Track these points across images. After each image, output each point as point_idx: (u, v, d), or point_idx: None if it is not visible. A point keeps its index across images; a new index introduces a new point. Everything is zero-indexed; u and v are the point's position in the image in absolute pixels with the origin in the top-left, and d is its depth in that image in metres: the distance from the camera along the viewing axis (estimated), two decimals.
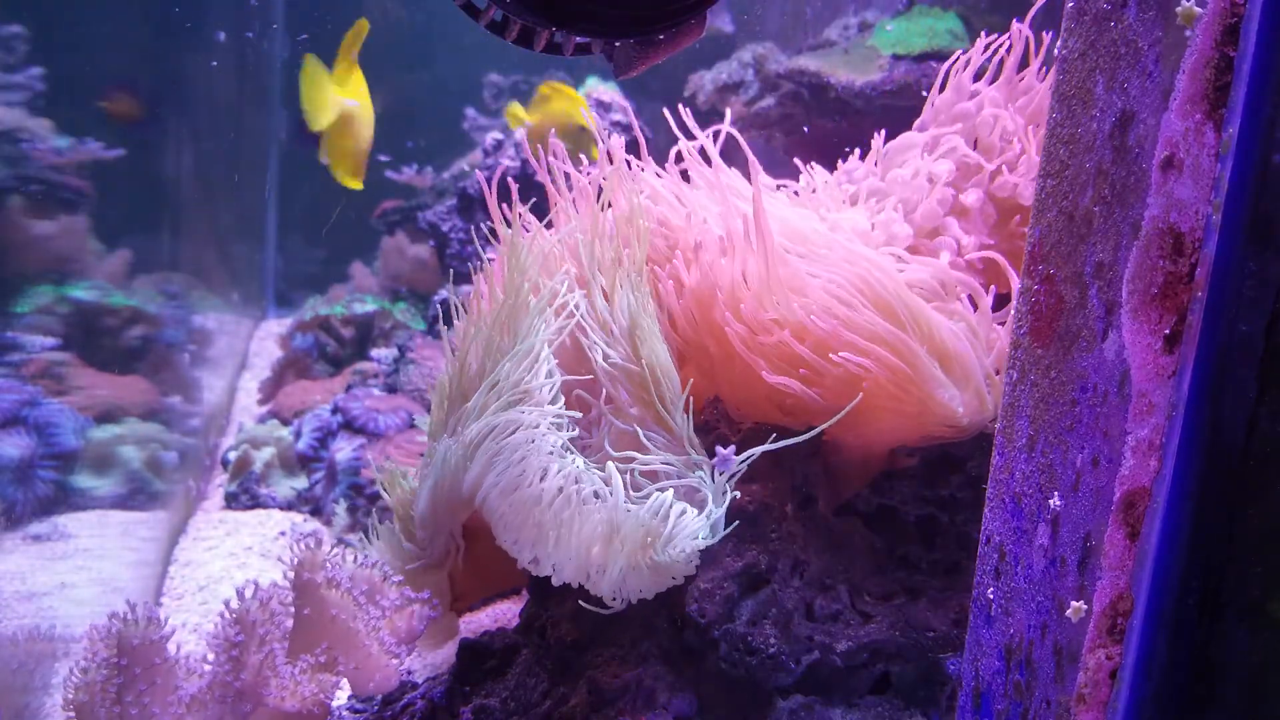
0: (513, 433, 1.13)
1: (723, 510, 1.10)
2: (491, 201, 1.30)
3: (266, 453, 2.40)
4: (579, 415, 1.19)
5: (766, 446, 1.12)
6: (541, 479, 1.10)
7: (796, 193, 1.40)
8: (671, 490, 1.09)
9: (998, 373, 1.15)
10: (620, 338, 1.20)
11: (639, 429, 1.17)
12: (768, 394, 1.18)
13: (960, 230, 1.28)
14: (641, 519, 1.05)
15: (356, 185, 2.11)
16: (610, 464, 1.12)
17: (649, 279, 1.25)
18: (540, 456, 1.11)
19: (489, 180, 1.30)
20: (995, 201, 1.31)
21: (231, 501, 2.35)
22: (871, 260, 1.17)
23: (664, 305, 1.25)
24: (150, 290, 2.28)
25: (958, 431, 1.16)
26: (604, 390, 1.20)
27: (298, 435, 2.44)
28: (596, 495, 1.10)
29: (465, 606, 1.43)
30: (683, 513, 1.07)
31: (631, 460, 1.15)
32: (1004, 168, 1.31)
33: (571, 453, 1.14)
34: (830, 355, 1.11)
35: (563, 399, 1.19)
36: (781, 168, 1.45)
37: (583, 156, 1.37)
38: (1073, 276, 0.74)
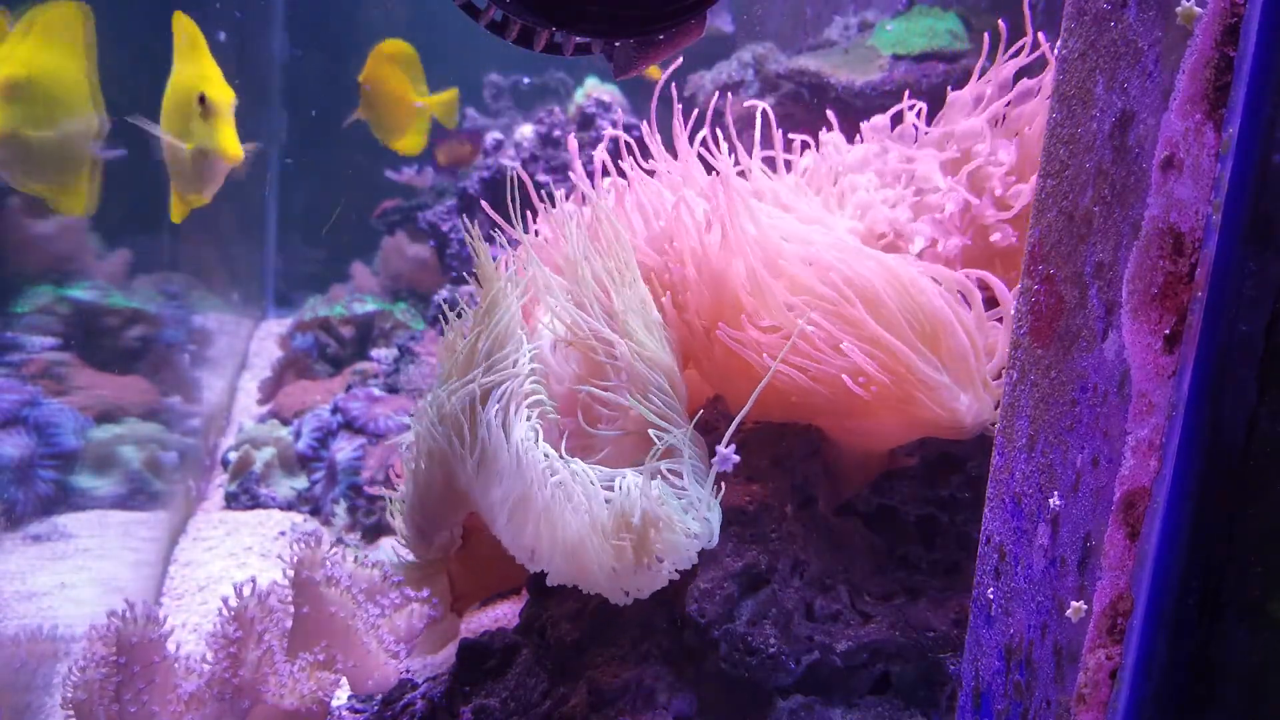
0: (491, 424, 1.12)
1: (711, 504, 1.09)
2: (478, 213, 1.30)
3: (266, 453, 2.40)
4: (547, 408, 1.19)
5: (746, 409, 1.12)
6: (528, 474, 1.09)
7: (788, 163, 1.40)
8: (640, 479, 1.08)
9: (996, 377, 1.15)
10: (617, 332, 1.20)
11: (636, 430, 1.16)
12: (768, 392, 1.18)
13: (938, 230, 1.28)
14: (619, 508, 1.05)
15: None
16: (578, 462, 1.12)
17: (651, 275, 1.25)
18: (524, 449, 1.10)
19: (487, 181, 1.30)
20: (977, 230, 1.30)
21: (231, 501, 2.35)
22: (879, 260, 1.16)
23: (664, 305, 1.25)
24: (150, 290, 2.28)
25: (959, 433, 1.16)
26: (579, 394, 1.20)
27: (297, 435, 2.44)
28: (583, 491, 1.09)
29: (465, 607, 1.43)
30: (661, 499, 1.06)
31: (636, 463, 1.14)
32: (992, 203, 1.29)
33: (562, 457, 1.14)
34: (829, 354, 1.11)
35: (540, 380, 1.19)
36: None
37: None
38: (1073, 276, 0.74)
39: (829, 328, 1.12)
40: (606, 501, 1.07)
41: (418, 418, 1.22)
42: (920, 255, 1.26)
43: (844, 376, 1.10)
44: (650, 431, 1.11)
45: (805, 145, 1.44)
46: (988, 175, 1.28)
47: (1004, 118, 1.32)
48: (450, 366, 1.18)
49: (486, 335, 1.16)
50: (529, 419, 1.14)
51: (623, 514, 1.04)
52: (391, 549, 1.35)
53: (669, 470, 1.12)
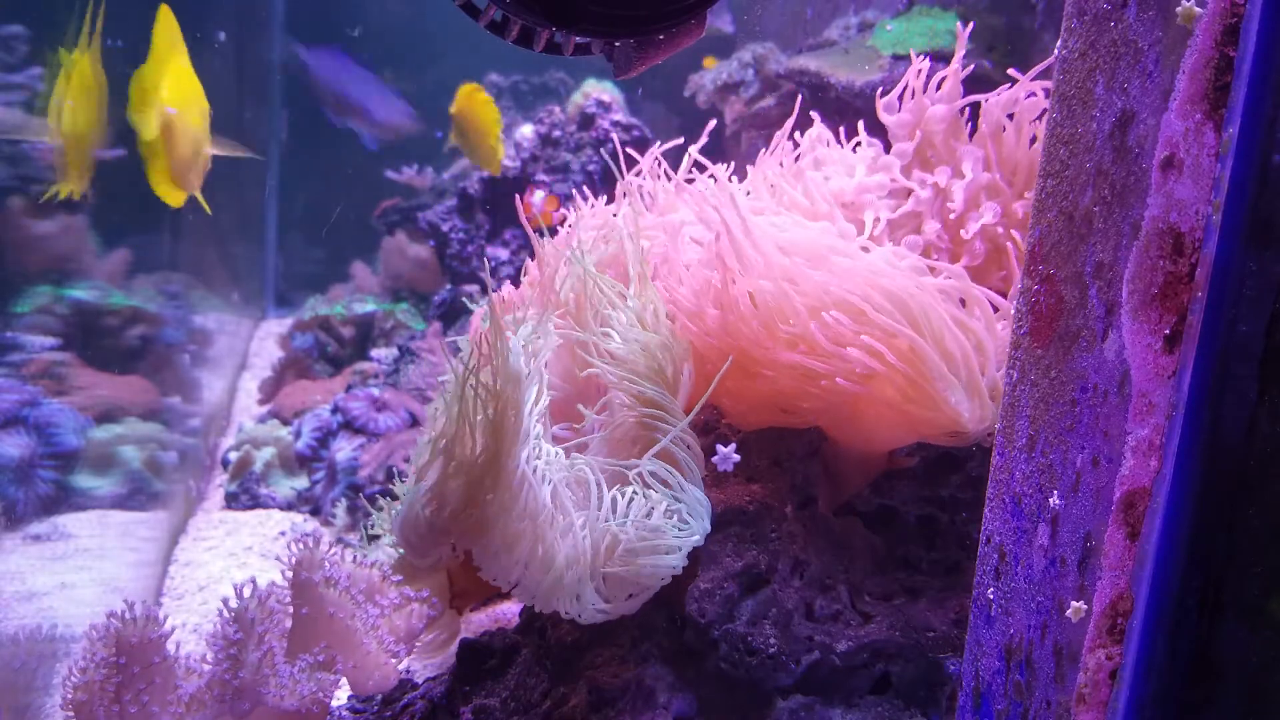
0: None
1: (702, 509, 1.09)
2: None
3: (267, 453, 2.40)
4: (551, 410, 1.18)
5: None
6: (516, 490, 1.08)
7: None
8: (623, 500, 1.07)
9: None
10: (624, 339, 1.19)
11: (636, 432, 1.16)
12: (769, 395, 1.18)
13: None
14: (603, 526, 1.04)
15: (174, 201, 1.81)
16: (567, 455, 1.11)
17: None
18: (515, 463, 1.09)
19: (487, 181, 1.29)
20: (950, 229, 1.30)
21: (231, 501, 2.35)
22: (882, 262, 1.16)
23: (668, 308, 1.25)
24: (150, 290, 2.29)
25: (961, 439, 1.16)
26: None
27: (297, 435, 2.44)
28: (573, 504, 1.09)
29: (465, 606, 1.42)
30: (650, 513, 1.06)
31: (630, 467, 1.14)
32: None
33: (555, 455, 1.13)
34: (837, 358, 1.11)
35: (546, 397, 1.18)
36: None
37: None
38: (1073, 276, 0.74)
39: (846, 323, 1.12)
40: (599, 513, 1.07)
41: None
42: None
43: (852, 367, 1.09)
44: (645, 435, 1.11)
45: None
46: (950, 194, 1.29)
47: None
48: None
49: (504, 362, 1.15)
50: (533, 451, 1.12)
51: (607, 541, 1.04)
52: (390, 548, 1.34)
53: (661, 471, 1.12)
